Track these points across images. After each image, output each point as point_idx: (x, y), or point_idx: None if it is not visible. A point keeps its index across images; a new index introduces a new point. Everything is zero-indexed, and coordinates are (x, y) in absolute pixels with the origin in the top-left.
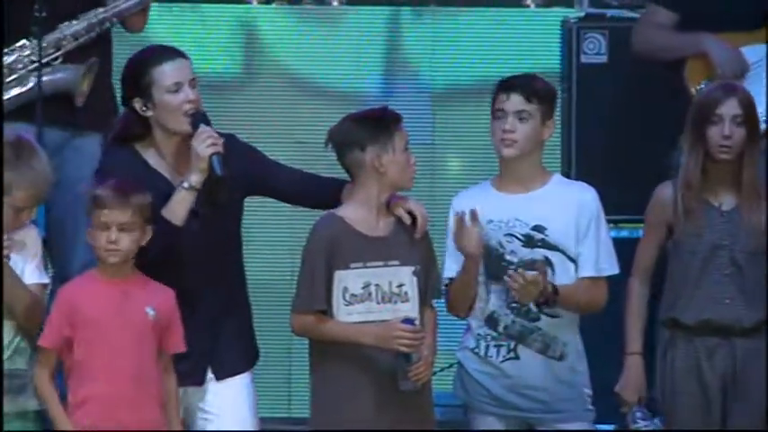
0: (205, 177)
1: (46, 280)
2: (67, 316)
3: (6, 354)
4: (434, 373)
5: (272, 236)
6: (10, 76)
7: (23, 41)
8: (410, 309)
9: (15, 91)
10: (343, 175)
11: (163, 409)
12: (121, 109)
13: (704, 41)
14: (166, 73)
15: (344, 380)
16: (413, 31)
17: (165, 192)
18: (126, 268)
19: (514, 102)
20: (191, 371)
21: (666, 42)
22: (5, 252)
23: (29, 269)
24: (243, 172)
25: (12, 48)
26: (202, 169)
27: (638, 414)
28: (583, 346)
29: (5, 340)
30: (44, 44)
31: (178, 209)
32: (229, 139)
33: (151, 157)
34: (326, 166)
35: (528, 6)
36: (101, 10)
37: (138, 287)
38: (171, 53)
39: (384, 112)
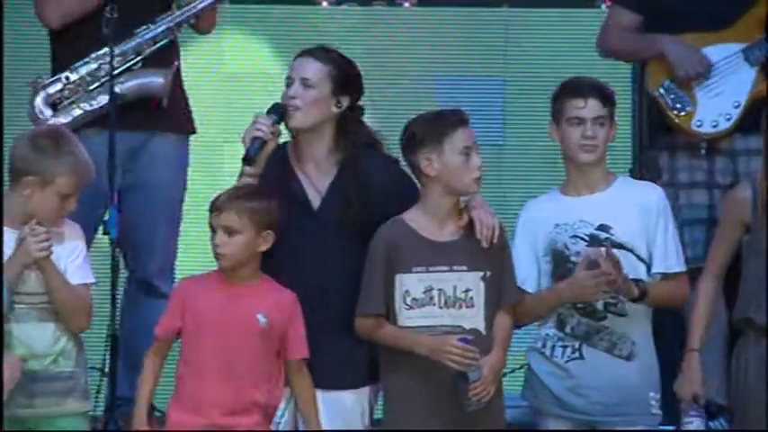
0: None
1: (90, 279)
2: (180, 307)
3: (51, 357)
4: (504, 375)
5: None
6: (93, 83)
7: (105, 49)
8: (475, 314)
9: (102, 99)
10: None
11: (266, 416)
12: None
13: (660, 43)
14: None
15: (405, 386)
16: (485, 31)
17: (297, 197)
18: (244, 272)
19: (593, 108)
20: None
21: (626, 45)
22: (47, 245)
23: (71, 268)
24: (391, 199)
25: (93, 56)
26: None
27: (692, 413)
28: (654, 347)
29: (50, 342)
30: (124, 50)
31: None
32: (390, 165)
33: (300, 169)
34: None
35: (600, 7)
36: (177, 12)
37: (254, 293)
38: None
39: (443, 113)
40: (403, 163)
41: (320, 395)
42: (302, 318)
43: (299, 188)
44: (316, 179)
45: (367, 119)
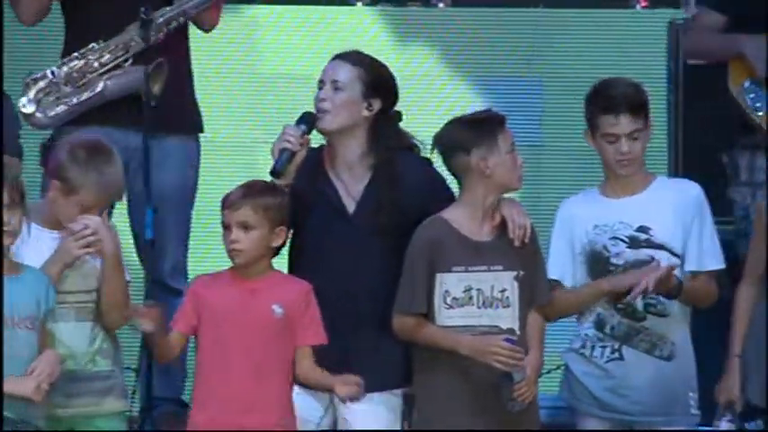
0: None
1: (127, 278)
2: (195, 305)
3: (89, 356)
4: (540, 375)
5: None
6: (81, 80)
7: (92, 45)
8: (510, 314)
9: (86, 95)
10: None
11: (289, 409)
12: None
13: (740, 42)
14: None
15: (445, 385)
16: (520, 31)
17: (332, 202)
18: (258, 269)
19: (625, 124)
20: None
21: (708, 45)
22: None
23: None
24: (426, 201)
25: (82, 51)
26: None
27: (725, 417)
28: (692, 348)
29: (87, 341)
30: (112, 47)
31: None
32: (424, 166)
33: (334, 172)
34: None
35: (634, 8)
36: (167, 9)
37: (268, 285)
38: None
39: (488, 113)
40: (438, 164)
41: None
42: (317, 306)
43: (334, 193)
44: (350, 184)
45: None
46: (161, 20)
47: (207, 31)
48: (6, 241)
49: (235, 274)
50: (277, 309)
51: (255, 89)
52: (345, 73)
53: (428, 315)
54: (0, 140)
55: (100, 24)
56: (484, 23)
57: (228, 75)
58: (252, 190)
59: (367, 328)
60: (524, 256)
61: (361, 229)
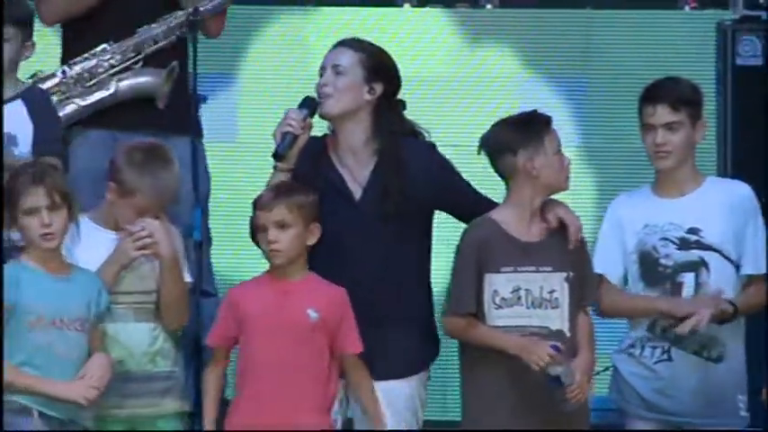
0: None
1: (188, 279)
2: (233, 314)
3: (148, 356)
4: (596, 374)
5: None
6: (91, 80)
7: (104, 45)
8: (559, 315)
9: (97, 95)
10: (497, 180)
11: (325, 412)
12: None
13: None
14: None
15: (494, 384)
16: (567, 32)
17: (338, 188)
18: (294, 268)
19: (661, 114)
20: None
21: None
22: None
23: None
24: (432, 185)
25: (93, 52)
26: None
27: None
28: (744, 350)
29: (147, 341)
30: (124, 48)
31: None
32: (428, 151)
33: (338, 160)
34: (479, 170)
35: (683, 9)
36: (180, 13)
37: (304, 288)
38: None
39: (534, 114)
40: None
41: (381, 385)
42: (353, 312)
43: (339, 179)
44: (355, 169)
45: (448, 119)
46: (173, 23)
47: (213, 37)
48: (50, 243)
49: (271, 275)
50: (312, 313)
51: (302, 91)
52: (346, 58)
53: (477, 315)
54: (0, 141)
55: (105, 26)
56: (531, 24)
57: (276, 77)
58: (283, 189)
59: (380, 314)
60: (573, 256)
61: (367, 215)
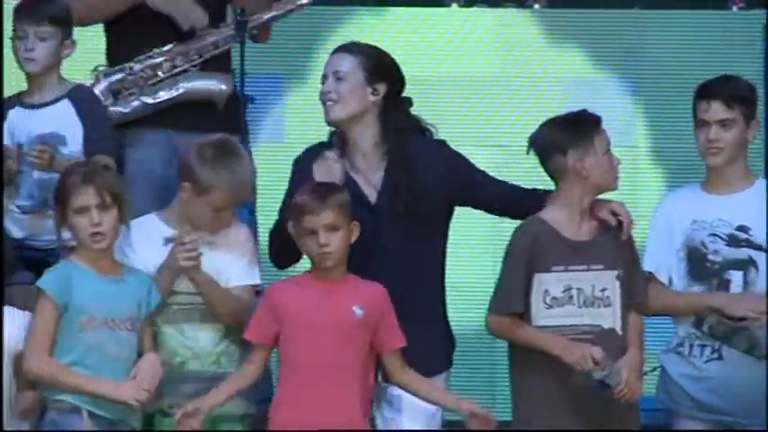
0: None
1: (255, 281)
2: (273, 311)
3: (212, 357)
4: (645, 373)
5: (473, 238)
6: (154, 78)
7: (169, 46)
8: (611, 314)
9: (164, 95)
10: (545, 179)
11: (367, 410)
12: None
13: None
14: None
15: (543, 385)
16: (616, 32)
17: (353, 193)
18: (340, 269)
19: (716, 110)
20: None
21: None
22: (194, 255)
23: (236, 270)
24: (445, 182)
25: (157, 51)
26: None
27: None
28: None
29: (212, 342)
30: (186, 50)
31: None
32: (439, 147)
33: (349, 164)
34: (527, 170)
35: (731, 9)
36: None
37: (346, 287)
38: None
39: (583, 114)
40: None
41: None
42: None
43: (353, 184)
44: (368, 173)
45: (495, 119)
46: (234, 30)
47: (261, 42)
48: (100, 245)
49: (313, 276)
50: (357, 310)
51: None
52: (345, 63)
53: (524, 315)
54: (0, 137)
55: (150, 26)
56: (578, 24)
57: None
58: (325, 191)
59: (402, 314)
60: (623, 254)
61: (384, 217)
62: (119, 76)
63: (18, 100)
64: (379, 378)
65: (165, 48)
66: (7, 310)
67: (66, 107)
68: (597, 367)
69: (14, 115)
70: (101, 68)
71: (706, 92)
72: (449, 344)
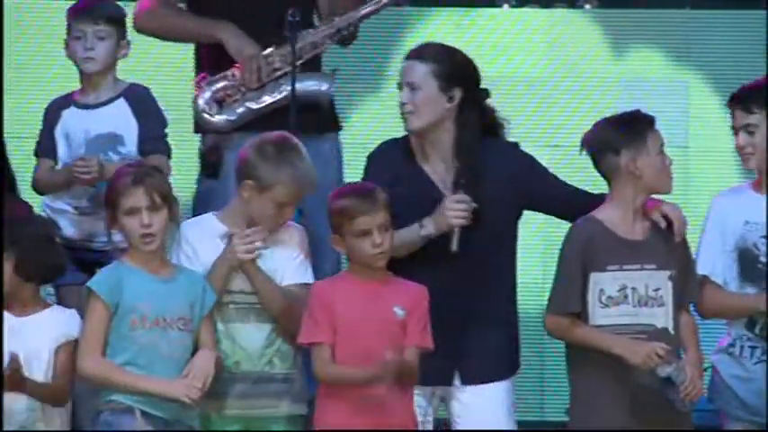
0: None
1: (309, 279)
2: (323, 311)
3: (266, 358)
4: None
5: (523, 237)
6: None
7: (270, 49)
8: (664, 313)
9: (268, 99)
10: (595, 179)
11: (412, 410)
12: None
13: None
14: None
15: (601, 385)
16: (667, 33)
17: (431, 194)
18: (382, 271)
19: (738, 117)
20: (436, 370)
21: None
22: (252, 247)
23: (290, 268)
24: (516, 185)
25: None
26: (440, 230)
27: None
28: None
29: (265, 342)
30: (285, 53)
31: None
32: (512, 150)
33: (427, 164)
34: (577, 169)
35: None
36: (337, 20)
37: (389, 287)
38: None
39: (637, 114)
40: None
41: (469, 390)
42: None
43: (429, 184)
44: (444, 174)
45: (545, 119)
46: (333, 29)
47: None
48: (150, 246)
49: (356, 274)
50: (399, 311)
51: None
52: (417, 72)
53: (581, 315)
54: (0, 138)
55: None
56: (630, 25)
57: (379, 77)
58: (372, 191)
59: (472, 319)
60: (676, 254)
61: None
62: (222, 84)
63: (71, 100)
64: (457, 381)
65: (265, 51)
66: (55, 308)
67: (122, 107)
68: (662, 361)
69: (69, 116)
70: (203, 78)
71: (729, 101)
72: (517, 347)
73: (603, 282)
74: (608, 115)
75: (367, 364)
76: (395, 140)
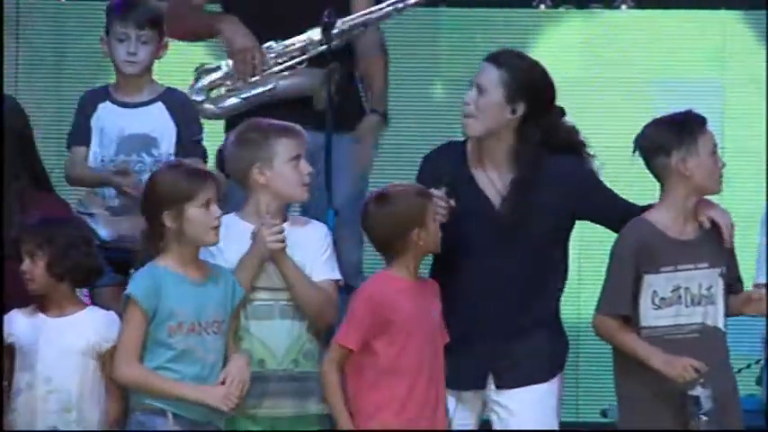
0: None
1: (337, 276)
2: (376, 316)
3: (291, 356)
4: (739, 371)
5: None
6: (254, 76)
7: (270, 43)
8: (716, 312)
9: (256, 91)
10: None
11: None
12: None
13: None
14: None
15: (646, 385)
16: (703, 33)
17: (478, 198)
18: (417, 267)
19: None
20: (469, 373)
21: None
22: (282, 237)
23: (318, 264)
24: (570, 201)
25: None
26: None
27: None
28: None
29: (291, 341)
30: (289, 48)
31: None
32: (572, 166)
33: (479, 170)
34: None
35: None
36: (347, 19)
37: (425, 288)
38: None
39: (688, 115)
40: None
41: (512, 393)
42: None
43: (481, 192)
44: (496, 180)
45: (581, 121)
46: (345, 26)
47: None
48: (217, 238)
49: (401, 276)
50: (434, 312)
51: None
52: (489, 76)
53: (631, 316)
54: (0, 138)
55: (254, 24)
56: (666, 25)
57: (412, 78)
58: (419, 191)
59: (516, 322)
60: (725, 252)
61: (506, 227)
62: (215, 74)
63: (108, 95)
64: (492, 385)
65: (265, 45)
66: (93, 309)
67: (159, 109)
68: (698, 378)
69: (104, 110)
70: (203, 67)
71: None
72: (562, 346)
73: (657, 283)
74: (658, 116)
75: (419, 366)
76: (453, 143)
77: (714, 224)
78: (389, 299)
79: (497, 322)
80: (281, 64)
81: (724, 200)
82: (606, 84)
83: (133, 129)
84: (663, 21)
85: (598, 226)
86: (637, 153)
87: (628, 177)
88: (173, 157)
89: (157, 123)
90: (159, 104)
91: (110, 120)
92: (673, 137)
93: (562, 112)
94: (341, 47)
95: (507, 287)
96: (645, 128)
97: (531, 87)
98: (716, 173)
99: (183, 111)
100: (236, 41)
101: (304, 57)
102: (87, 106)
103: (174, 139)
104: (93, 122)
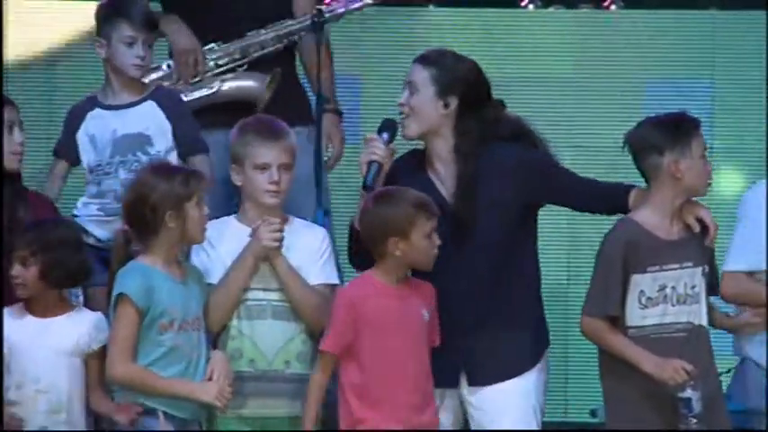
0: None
1: (335, 281)
2: (354, 321)
3: (282, 357)
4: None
5: (549, 239)
6: (195, 77)
7: (212, 45)
8: (698, 310)
9: (198, 93)
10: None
11: (435, 410)
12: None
13: None
14: None
15: (634, 385)
16: (692, 34)
17: (436, 200)
18: (403, 270)
19: None
20: (442, 372)
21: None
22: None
23: (315, 269)
24: (520, 188)
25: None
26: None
27: None
28: None
29: (283, 342)
30: (230, 50)
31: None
32: (515, 154)
33: (432, 171)
34: (603, 169)
35: None
36: (290, 22)
37: (413, 290)
38: None
39: (683, 116)
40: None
41: (485, 391)
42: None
43: (438, 194)
44: (447, 180)
45: (569, 120)
46: (283, 31)
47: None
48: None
49: (381, 280)
50: (425, 313)
51: None
52: (418, 75)
53: (618, 317)
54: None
55: (207, 26)
56: (655, 26)
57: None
58: (417, 197)
59: (480, 320)
60: (707, 251)
61: (458, 223)
62: (157, 74)
63: (95, 102)
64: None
65: (207, 47)
66: (81, 310)
67: (151, 108)
68: (688, 380)
69: (93, 118)
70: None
71: None
72: (535, 341)
73: (644, 283)
74: (647, 116)
75: (404, 367)
76: (415, 151)
77: (702, 224)
78: (363, 301)
79: (465, 321)
80: (221, 66)
81: (712, 199)
82: (595, 83)
83: (126, 129)
84: (652, 21)
85: (586, 226)
86: (626, 150)
87: (616, 177)
88: (174, 153)
89: (150, 121)
90: (150, 102)
91: (101, 125)
92: (667, 137)
93: (502, 104)
94: (281, 49)
95: (471, 285)
96: (637, 126)
97: (461, 79)
98: (704, 176)
99: (175, 107)
100: (179, 42)
101: (246, 59)
102: (74, 120)
103: (169, 135)
104: (81, 135)
